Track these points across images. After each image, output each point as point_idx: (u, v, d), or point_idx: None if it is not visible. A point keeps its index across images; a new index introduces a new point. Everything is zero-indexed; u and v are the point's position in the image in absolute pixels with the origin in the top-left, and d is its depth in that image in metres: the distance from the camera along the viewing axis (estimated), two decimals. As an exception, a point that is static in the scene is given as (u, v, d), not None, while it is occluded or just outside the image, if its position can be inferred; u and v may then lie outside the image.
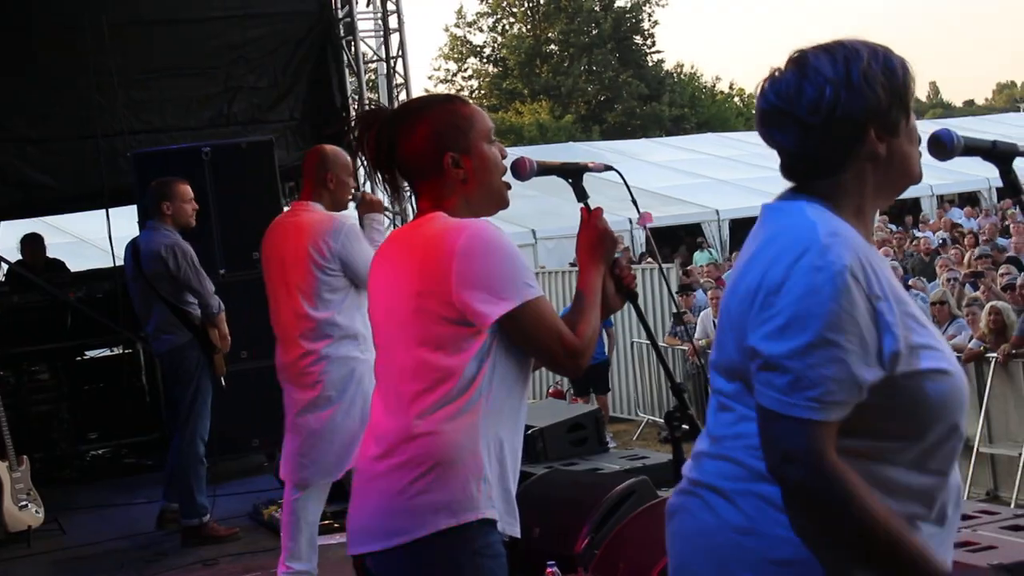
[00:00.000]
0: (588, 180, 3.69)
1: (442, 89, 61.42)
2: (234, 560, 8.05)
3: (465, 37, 63.52)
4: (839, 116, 2.55)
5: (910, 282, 16.53)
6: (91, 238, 18.96)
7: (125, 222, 11.35)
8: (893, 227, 26.21)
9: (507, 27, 63.33)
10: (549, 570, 5.72)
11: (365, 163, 3.52)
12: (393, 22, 13.81)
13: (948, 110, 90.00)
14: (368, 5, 13.93)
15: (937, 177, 28.58)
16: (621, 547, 5.79)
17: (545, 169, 3.63)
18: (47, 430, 11.49)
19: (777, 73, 2.64)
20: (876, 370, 2.46)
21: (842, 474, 2.42)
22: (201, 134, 11.99)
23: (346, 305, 6.11)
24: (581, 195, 3.66)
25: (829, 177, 2.62)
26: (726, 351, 2.64)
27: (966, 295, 14.70)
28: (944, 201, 30.89)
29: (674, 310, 16.72)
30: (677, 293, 17.55)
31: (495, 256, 3.24)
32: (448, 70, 63.54)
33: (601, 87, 60.04)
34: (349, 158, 6.39)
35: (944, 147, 2.68)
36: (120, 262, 9.42)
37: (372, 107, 11.07)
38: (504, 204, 3.51)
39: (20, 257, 12.34)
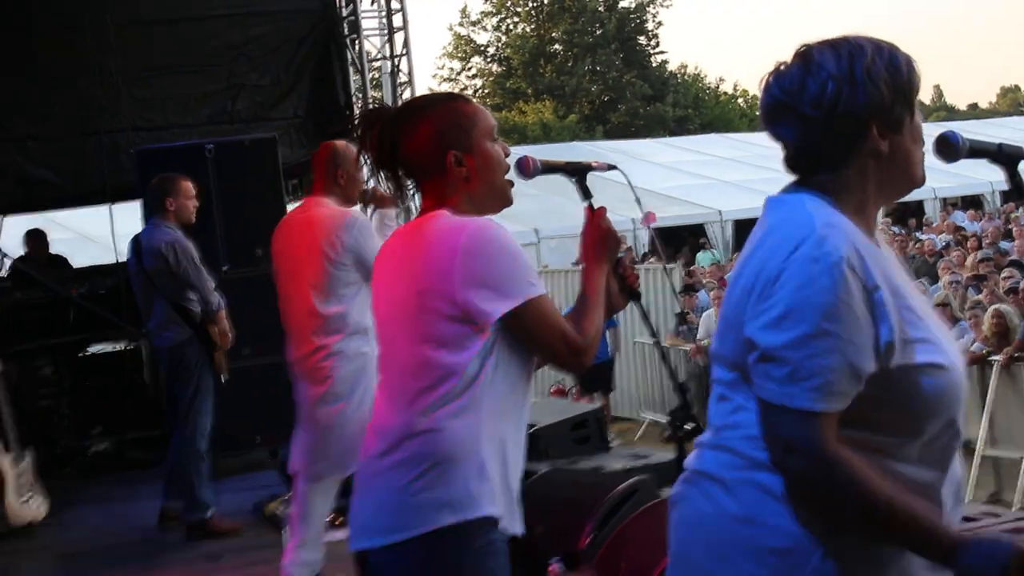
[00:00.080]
0: (592, 179, 3.70)
1: (446, 88, 61.43)
2: (237, 555, 8.06)
3: (469, 36, 63.52)
4: (841, 111, 2.56)
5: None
6: (94, 234, 18.96)
7: (128, 218, 11.37)
8: (896, 229, 26.19)
9: (511, 26, 63.28)
10: (553, 566, 5.73)
11: (369, 161, 3.52)
12: (397, 20, 13.82)
13: (952, 113, 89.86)
14: (372, 3, 13.94)
15: (940, 180, 28.55)
16: (623, 546, 5.79)
17: (549, 168, 3.63)
18: (49, 425, 11.52)
19: (782, 67, 2.65)
20: (873, 360, 2.47)
21: (844, 461, 2.43)
22: (204, 131, 12.01)
23: (358, 300, 6.09)
24: (585, 194, 3.66)
25: (831, 172, 2.63)
26: (726, 341, 2.65)
27: (969, 298, 14.68)
28: (947, 204, 30.86)
29: (677, 310, 16.71)
30: (680, 293, 17.55)
31: (498, 254, 3.24)
32: (452, 69, 63.57)
33: (605, 87, 60.04)
34: None
35: (951, 148, 2.68)
36: (123, 258, 9.44)
37: (375, 106, 11.07)
38: (508, 202, 3.51)
39: (23, 253, 12.36)
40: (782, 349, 2.45)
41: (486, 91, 62.79)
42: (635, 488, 6.38)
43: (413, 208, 3.60)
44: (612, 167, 3.86)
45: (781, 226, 2.58)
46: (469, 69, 63.78)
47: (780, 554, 2.54)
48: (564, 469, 7.76)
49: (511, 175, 3.50)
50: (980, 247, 20.38)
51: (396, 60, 13.87)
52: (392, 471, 3.25)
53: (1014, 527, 5.87)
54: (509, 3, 62.35)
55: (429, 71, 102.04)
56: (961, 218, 28.35)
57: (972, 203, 31.31)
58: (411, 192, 3.52)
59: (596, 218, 3.58)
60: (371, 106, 13.10)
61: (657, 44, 62.86)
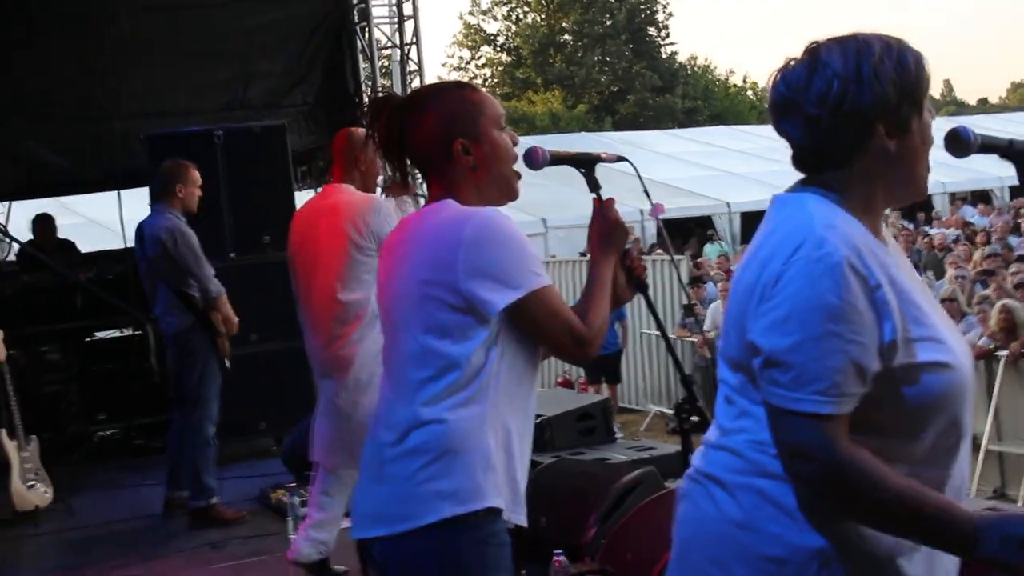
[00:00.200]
0: (600, 170, 3.68)
1: (455, 77, 61.47)
2: (241, 543, 8.06)
3: (479, 25, 63.53)
4: (846, 110, 2.54)
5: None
6: (102, 219, 18.99)
7: (136, 203, 11.38)
8: (904, 223, 26.17)
9: (521, 16, 63.31)
10: (556, 559, 5.73)
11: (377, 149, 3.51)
12: (408, 9, 13.80)
13: (961, 108, 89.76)
14: (383, -8, 13.92)
15: (949, 174, 28.53)
16: (628, 537, 5.80)
17: (558, 159, 3.62)
18: (56, 411, 11.54)
19: (791, 64, 2.64)
20: (877, 359, 2.46)
21: (855, 462, 2.42)
22: (214, 118, 11.99)
23: None
24: (593, 185, 3.65)
25: (837, 170, 2.61)
26: (731, 341, 2.64)
27: (976, 293, 14.66)
28: (956, 198, 30.82)
29: (684, 302, 16.70)
30: (688, 285, 17.54)
31: (502, 244, 3.23)
32: (462, 58, 63.64)
33: (614, 78, 60.02)
34: None
35: (962, 144, 2.65)
36: (131, 243, 9.44)
37: (383, 94, 11.05)
38: (513, 195, 3.49)
39: (31, 237, 12.37)
40: (786, 353, 2.44)
41: (495, 80, 62.81)
42: (640, 480, 6.39)
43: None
44: (621, 158, 3.84)
45: (782, 226, 2.57)
46: (479, 58, 63.86)
47: (777, 563, 2.53)
48: (569, 460, 7.77)
49: (519, 166, 3.49)
50: (989, 242, 20.35)
51: (406, 49, 13.85)
52: (397, 461, 3.25)
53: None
54: (519, -8, 62.35)
55: (439, 60, 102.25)
56: (971, 213, 28.31)
57: (981, 198, 31.27)
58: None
59: (604, 209, 3.57)
60: (380, 94, 13.10)
61: (667, 35, 63.06)
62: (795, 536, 2.51)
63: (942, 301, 13.31)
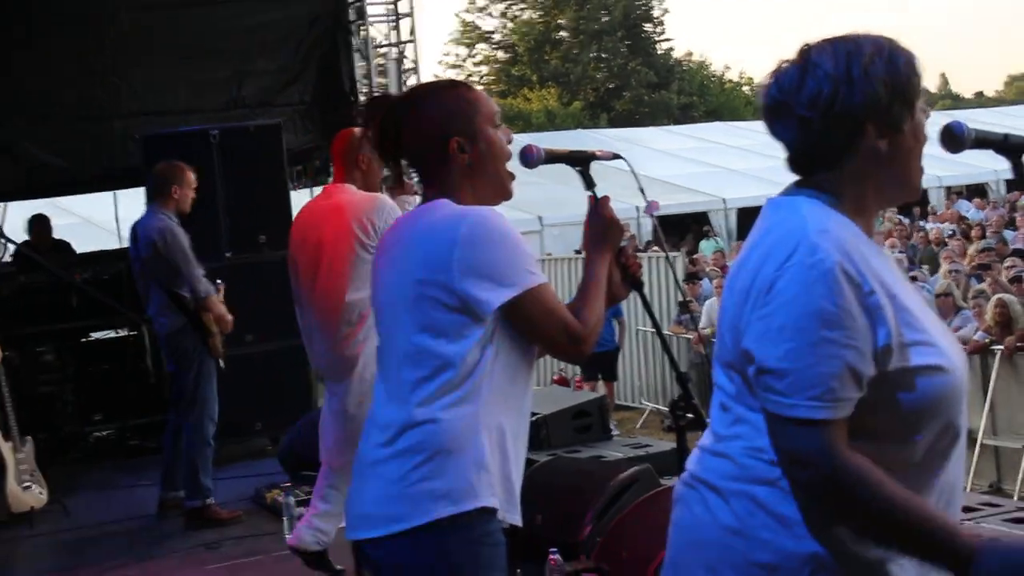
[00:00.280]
0: (595, 167, 3.68)
1: (451, 74, 61.47)
2: (236, 544, 8.05)
3: (475, 23, 63.54)
4: (837, 111, 2.54)
5: (912, 273, 16.51)
6: (98, 219, 19.01)
7: (132, 204, 11.38)
8: (900, 218, 26.19)
9: (517, 13, 63.30)
10: (552, 557, 5.73)
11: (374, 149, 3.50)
12: (404, 7, 13.83)
13: (957, 101, 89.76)
14: (379, -10, 13.92)
15: (945, 168, 28.56)
16: (624, 535, 5.79)
17: (553, 157, 3.61)
18: (51, 411, 11.52)
19: (783, 66, 2.64)
20: (872, 364, 2.46)
21: (854, 469, 2.41)
22: (210, 117, 11.99)
23: None
24: (588, 183, 3.64)
25: (830, 172, 2.61)
26: (726, 347, 2.64)
27: (971, 288, 14.67)
28: (952, 192, 30.85)
29: (680, 298, 16.71)
30: (683, 281, 17.55)
31: (497, 243, 3.22)
32: (458, 55, 63.65)
33: (610, 74, 60.05)
34: None
35: (956, 139, 2.65)
36: (127, 243, 9.43)
37: (379, 93, 11.01)
38: (508, 194, 3.48)
39: (27, 238, 12.36)
40: (781, 360, 2.44)
41: (491, 78, 62.83)
42: (636, 477, 6.39)
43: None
44: (616, 156, 3.83)
45: (776, 229, 2.57)
46: (475, 56, 63.88)
47: (768, 569, 2.53)
48: (565, 458, 7.76)
49: (514, 164, 3.48)
50: (984, 236, 20.37)
51: (402, 47, 13.86)
52: (390, 461, 3.24)
53: (1015, 517, 5.87)
54: (515, -11, 62.37)
55: (435, 57, 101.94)
56: (966, 207, 28.34)
57: (977, 191, 31.31)
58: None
59: (599, 207, 3.57)
60: (375, 93, 13.10)
61: (663, 31, 62.95)
62: (787, 542, 2.51)
63: (937, 296, 13.33)
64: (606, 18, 60.23)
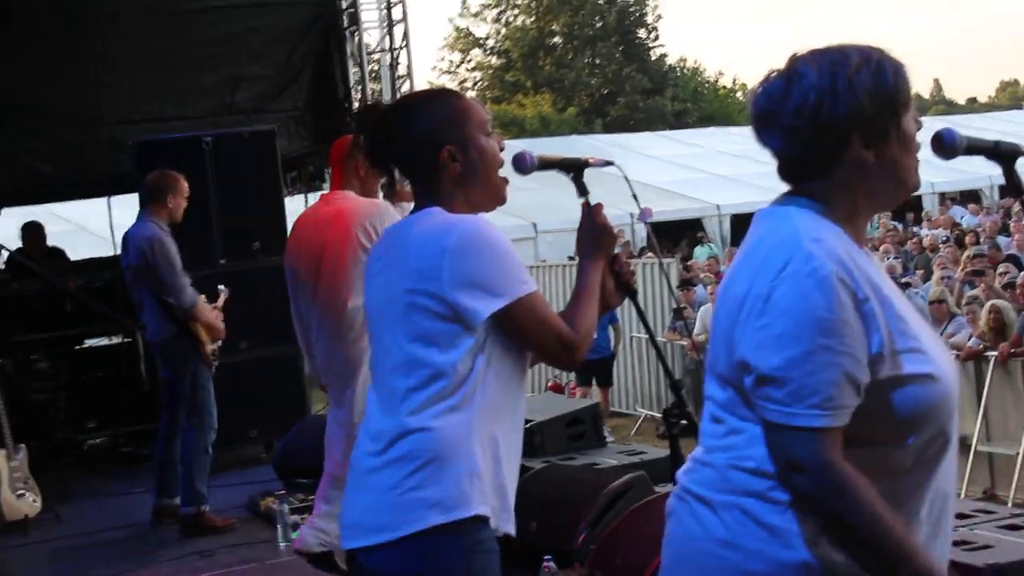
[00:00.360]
0: (589, 173, 3.67)
1: (445, 80, 61.56)
2: (230, 551, 8.04)
3: (469, 29, 63.56)
4: (821, 122, 2.56)
5: (905, 279, 16.52)
6: (92, 226, 18.98)
7: (126, 210, 11.34)
8: (894, 224, 26.21)
9: (511, 19, 63.34)
10: (546, 565, 5.73)
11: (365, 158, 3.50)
12: (397, 13, 13.78)
13: (951, 107, 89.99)
14: (372, -5, 13.90)
15: (939, 174, 28.57)
16: (618, 542, 5.79)
17: (546, 164, 3.61)
18: (45, 418, 11.50)
19: (771, 77, 2.65)
20: (867, 371, 2.47)
21: (850, 481, 2.43)
22: (204, 123, 11.99)
23: None
24: (582, 190, 3.64)
25: (818, 180, 2.63)
26: (720, 358, 2.65)
27: (965, 294, 14.68)
28: (946, 198, 30.87)
29: (674, 305, 16.72)
30: (677, 288, 17.56)
31: (487, 252, 3.22)
32: (451, 61, 63.71)
33: (604, 80, 60.07)
34: None
35: (946, 147, 2.66)
36: (120, 251, 9.43)
37: (369, 103, 10.97)
38: (501, 200, 3.49)
39: (20, 245, 12.34)
40: (780, 369, 2.45)
41: (485, 83, 62.85)
42: (630, 485, 6.39)
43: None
44: (609, 163, 3.83)
45: (769, 239, 2.58)
46: (468, 61, 63.89)
47: None
48: (559, 466, 7.76)
49: (507, 171, 3.48)
50: (978, 243, 20.39)
51: (395, 53, 13.84)
52: (383, 470, 3.24)
53: (1009, 524, 5.87)
54: (509, -5, 62.40)
55: (428, 63, 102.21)
56: (960, 213, 28.35)
57: (970, 197, 31.33)
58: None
59: (592, 214, 3.56)
60: (369, 99, 13.10)
61: (656, 37, 63.02)
62: (778, 552, 2.52)
63: (931, 303, 13.33)
64: (600, 24, 60.29)
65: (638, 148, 35.58)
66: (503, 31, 63.17)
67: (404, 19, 13.82)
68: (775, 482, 2.52)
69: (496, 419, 3.28)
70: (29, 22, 11.79)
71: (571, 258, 19.66)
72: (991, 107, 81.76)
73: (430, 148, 3.35)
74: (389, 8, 13.79)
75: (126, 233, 8.57)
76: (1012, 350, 11.67)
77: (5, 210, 13.26)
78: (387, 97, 13.53)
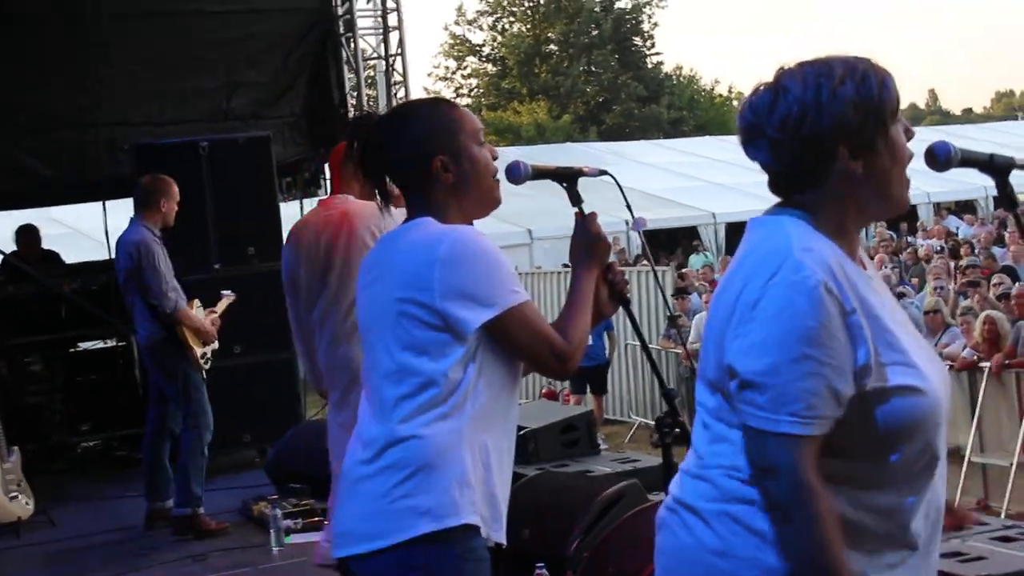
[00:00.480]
0: (585, 180, 3.68)
1: (441, 86, 61.53)
2: (223, 555, 8.04)
3: (465, 36, 63.53)
4: (805, 134, 2.57)
5: (899, 289, 16.54)
6: (87, 230, 18.95)
7: (121, 214, 11.32)
8: (889, 233, 26.22)
9: (507, 26, 63.32)
10: (538, 572, 5.72)
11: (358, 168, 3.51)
12: (393, 20, 13.81)
13: (946, 118, 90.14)
14: (368, 2, 13.92)
15: (934, 184, 28.59)
16: (611, 550, 5.79)
17: (539, 173, 3.61)
18: (39, 421, 11.50)
19: (759, 90, 2.66)
20: (852, 383, 2.48)
21: (816, 497, 2.45)
22: (200, 128, 12.00)
23: None
24: (575, 200, 3.64)
25: (808, 192, 2.63)
26: (710, 364, 2.66)
27: (959, 304, 14.70)
28: (941, 208, 30.89)
29: (668, 313, 16.73)
30: (672, 296, 17.57)
31: (477, 263, 3.23)
32: (447, 68, 63.58)
33: (600, 88, 60.04)
34: None
35: (939, 161, 2.66)
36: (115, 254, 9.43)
37: (362, 112, 10.96)
38: (495, 204, 3.50)
39: (15, 248, 12.33)
40: (763, 375, 2.47)
41: (481, 91, 62.83)
42: (623, 493, 6.39)
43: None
44: (603, 172, 3.83)
45: (760, 247, 2.60)
46: (464, 68, 63.81)
47: None
48: (552, 473, 7.75)
49: (500, 179, 3.49)
50: (974, 253, 20.42)
51: (391, 59, 13.86)
52: (373, 478, 3.25)
53: (1002, 535, 5.87)
54: (505, 3, 62.36)
55: (424, 70, 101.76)
56: (955, 223, 28.38)
57: (966, 208, 31.35)
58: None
59: (587, 223, 3.57)
60: (365, 105, 13.12)
61: (652, 45, 62.92)
62: (770, 558, 2.52)
63: (926, 313, 13.34)
64: (596, 32, 60.26)
65: (633, 156, 35.58)
66: (499, 38, 63.13)
67: (400, 26, 13.85)
68: None
69: (487, 427, 3.29)
70: (27, 23, 11.79)
71: (566, 265, 19.65)
72: (987, 118, 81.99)
73: (422, 158, 3.36)
74: (385, 15, 13.82)
75: (119, 237, 8.58)
76: (1006, 361, 11.69)
77: (0, 213, 13.25)
78: (383, 103, 13.56)
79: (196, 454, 8.45)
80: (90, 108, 11.84)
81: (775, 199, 2.74)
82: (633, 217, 4.26)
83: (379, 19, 13.89)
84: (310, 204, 11.90)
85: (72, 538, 8.85)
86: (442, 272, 3.19)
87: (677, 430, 3.74)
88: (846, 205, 2.63)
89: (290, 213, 11.42)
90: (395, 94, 13.76)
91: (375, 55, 13.98)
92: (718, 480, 2.61)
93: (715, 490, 2.62)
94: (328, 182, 10.54)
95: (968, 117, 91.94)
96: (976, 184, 29.77)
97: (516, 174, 3.54)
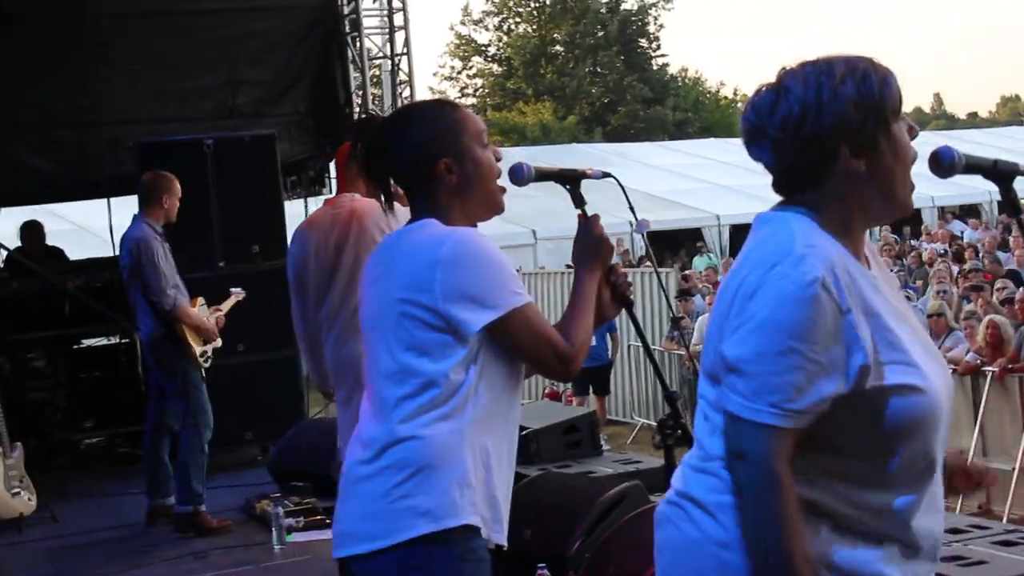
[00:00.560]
0: (589, 181, 3.68)
1: (446, 86, 61.52)
2: (225, 553, 8.05)
3: (470, 35, 63.50)
4: (806, 134, 2.57)
5: (903, 293, 16.51)
6: (92, 227, 18.97)
7: (126, 211, 11.32)
8: (893, 237, 26.22)
9: (513, 27, 63.27)
10: (540, 573, 5.73)
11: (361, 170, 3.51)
12: (399, 19, 13.82)
13: (952, 122, 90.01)
14: (374, 2, 13.92)
15: (938, 188, 28.56)
16: (613, 551, 5.79)
17: (543, 175, 3.61)
18: (42, 417, 11.51)
19: (761, 91, 2.66)
20: (841, 383, 2.49)
21: (783, 489, 2.46)
22: (204, 126, 11.99)
23: None
24: (578, 201, 3.64)
25: (811, 192, 2.64)
26: (709, 354, 2.67)
27: (963, 308, 14.69)
28: (945, 212, 30.88)
29: (672, 315, 16.73)
30: (675, 298, 17.56)
31: (479, 264, 3.24)
32: (453, 68, 63.54)
33: (605, 89, 59.99)
34: None
35: (943, 167, 2.65)
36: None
37: (366, 114, 10.94)
38: (499, 209, 3.50)
39: (19, 244, 12.35)
40: (748, 363, 2.49)
41: (486, 91, 62.80)
42: (625, 494, 6.39)
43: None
44: (607, 175, 3.83)
45: (764, 243, 2.61)
46: (470, 68, 63.76)
47: None
48: (554, 474, 7.76)
49: (504, 181, 3.49)
50: (977, 257, 20.40)
51: (396, 59, 13.86)
52: (374, 478, 3.25)
53: (1003, 540, 5.88)
54: (511, 3, 62.33)
55: (430, 69, 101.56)
56: (959, 227, 28.36)
57: (971, 212, 31.34)
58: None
59: (590, 225, 3.57)
60: (371, 105, 13.12)
61: (658, 47, 62.89)
62: None
63: (929, 316, 13.33)
64: (601, 33, 60.19)
65: (638, 157, 35.61)
66: (505, 39, 63.09)
67: (406, 25, 13.85)
68: None
69: (488, 429, 3.29)
70: (31, 22, 11.79)
71: (570, 266, 19.64)
72: (992, 122, 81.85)
73: (426, 160, 3.36)
74: (391, 14, 13.82)
75: (123, 234, 8.60)
76: (1009, 365, 11.69)
77: (4, 209, 13.25)
78: (388, 102, 13.56)
79: (195, 452, 8.45)
80: (91, 108, 11.85)
81: (776, 202, 2.74)
82: (636, 219, 4.25)
83: (385, 18, 13.89)
84: (314, 202, 11.94)
85: (74, 534, 8.86)
86: (444, 274, 3.20)
87: (679, 432, 3.75)
88: (849, 204, 2.63)
89: (294, 211, 11.45)
90: (401, 93, 13.75)
91: (381, 54, 13.97)
92: (721, 471, 2.62)
93: (718, 481, 2.62)
94: (333, 180, 10.55)
95: (973, 121, 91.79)
96: (980, 188, 29.77)
97: (519, 176, 3.54)
